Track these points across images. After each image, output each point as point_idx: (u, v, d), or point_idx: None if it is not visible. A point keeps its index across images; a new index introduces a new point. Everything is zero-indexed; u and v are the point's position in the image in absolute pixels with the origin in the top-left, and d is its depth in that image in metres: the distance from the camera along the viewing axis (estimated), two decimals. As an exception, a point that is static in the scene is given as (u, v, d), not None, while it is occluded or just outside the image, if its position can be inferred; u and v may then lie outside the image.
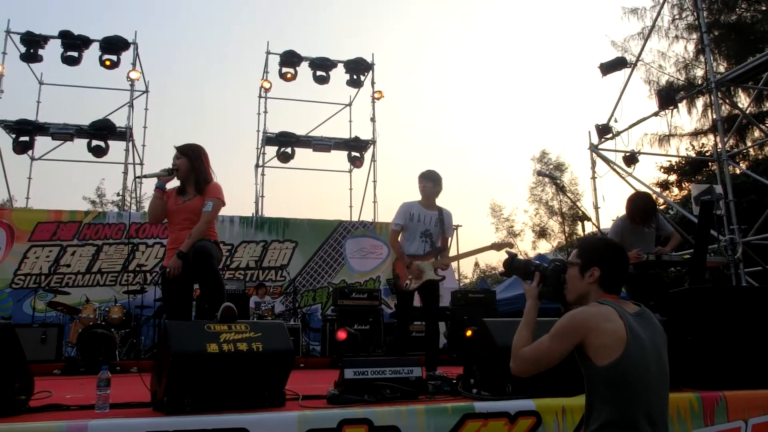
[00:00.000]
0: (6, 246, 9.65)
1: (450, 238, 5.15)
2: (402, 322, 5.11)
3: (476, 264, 40.10)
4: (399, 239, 4.97)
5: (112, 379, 2.76)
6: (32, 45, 11.42)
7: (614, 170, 11.54)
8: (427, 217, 4.92)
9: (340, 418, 2.58)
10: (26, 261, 9.67)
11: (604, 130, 11.56)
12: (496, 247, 5.05)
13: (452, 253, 5.18)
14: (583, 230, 6.95)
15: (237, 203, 45.79)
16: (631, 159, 11.49)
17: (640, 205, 5.26)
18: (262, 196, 12.24)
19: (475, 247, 5.28)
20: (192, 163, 3.94)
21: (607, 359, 1.89)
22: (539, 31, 62.33)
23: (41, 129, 11.44)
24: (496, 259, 37.68)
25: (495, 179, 57.03)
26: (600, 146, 11.66)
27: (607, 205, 11.78)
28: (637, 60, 13.04)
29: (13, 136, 11.31)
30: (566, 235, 27.81)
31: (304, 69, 12.82)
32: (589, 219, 6.39)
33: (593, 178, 11.58)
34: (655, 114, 11.57)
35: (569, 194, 20.22)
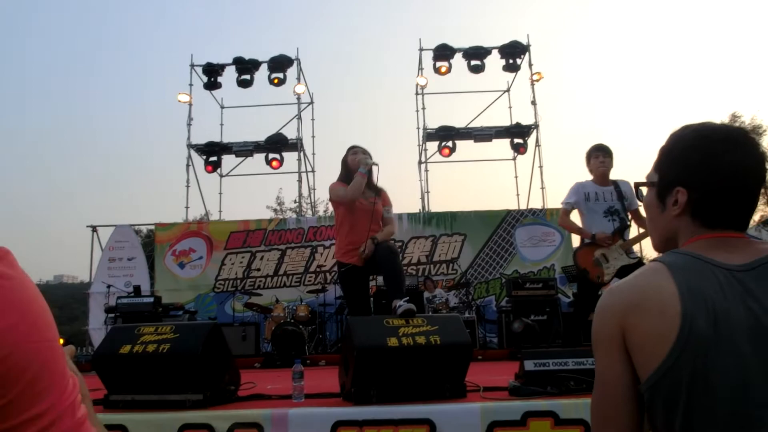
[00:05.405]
0: (207, 255, 10.89)
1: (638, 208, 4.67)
2: (581, 311, 4.82)
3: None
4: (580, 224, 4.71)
5: (304, 372, 2.97)
6: (212, 74, 12.75)
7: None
8: (606, 194, 4.58)
9: (524, 410, 2.52)
10: (224, 267, 10.82)
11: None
12: None
13: (632, 234, 4.75)
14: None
15: (404, 200, 47.30)
16: None
17: None
18: (428, 192, 12.42)
19: None
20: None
21: (646, 370, 0.98)
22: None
23: (226, 148, 12.71)
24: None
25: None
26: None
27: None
28: None
29: (204, 157, 12.72)
30: None
31: (457, 60, 12.69)
32: (796, 186, 5.57)
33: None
34: None
35: None
